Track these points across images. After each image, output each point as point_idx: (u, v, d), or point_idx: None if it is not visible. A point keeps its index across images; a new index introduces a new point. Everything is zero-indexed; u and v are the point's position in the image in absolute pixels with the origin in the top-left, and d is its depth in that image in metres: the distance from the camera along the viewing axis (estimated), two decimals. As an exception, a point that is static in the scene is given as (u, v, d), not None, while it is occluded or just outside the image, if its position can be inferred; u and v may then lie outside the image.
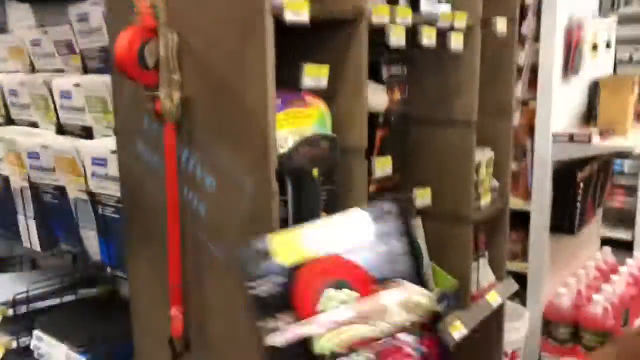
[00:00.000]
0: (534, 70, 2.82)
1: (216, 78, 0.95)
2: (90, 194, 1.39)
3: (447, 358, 0.80)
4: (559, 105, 2.76)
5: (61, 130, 1.63)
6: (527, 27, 2.72)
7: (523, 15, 2.71)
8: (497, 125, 1.70)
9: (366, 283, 0.78)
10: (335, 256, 0.79)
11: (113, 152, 1.27)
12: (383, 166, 1.21)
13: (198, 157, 0.99)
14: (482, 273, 1.66)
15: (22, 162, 1.56)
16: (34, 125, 1.72)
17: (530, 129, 2.86)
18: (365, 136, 1.13)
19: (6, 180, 1.66)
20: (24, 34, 1.75)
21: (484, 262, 1.69)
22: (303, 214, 0.95)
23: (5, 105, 1.79)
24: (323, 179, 1.05)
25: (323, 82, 0.99)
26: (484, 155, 1.61)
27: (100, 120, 1.50)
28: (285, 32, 0.93)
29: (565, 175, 2.81)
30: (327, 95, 1.09)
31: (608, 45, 3.05)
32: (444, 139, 1.51)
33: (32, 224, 1.63)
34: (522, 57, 2.82)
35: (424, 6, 1.24)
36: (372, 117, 1.37)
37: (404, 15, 1.15)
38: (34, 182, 1.57)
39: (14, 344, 1.71)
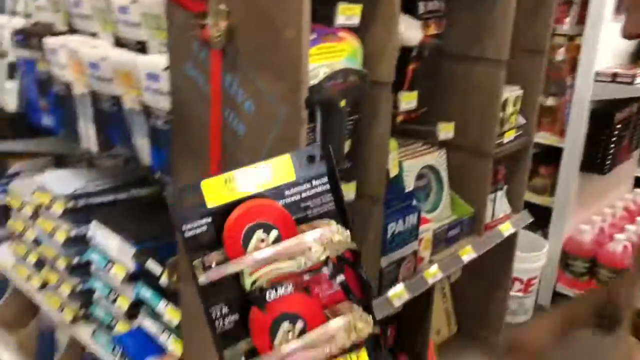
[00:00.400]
0: (584, 4, 2.77)
1: (259, 10, 1.05)
2: (144, 106, 1.54)
3: (366, 290, 0.88)
4: (606, 43, 2.73)
5: (119, 42, 1.77)
6: (582, -40, 2.66)
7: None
8: (530, 62, 1.74)
9: (290, 224, 0.82)
10: (261, 199, 0.82)
11: (165, 69, 1.40)
12: (408, 100, 1.30)
13: (239, 82, 1.11)
14: (499, 204, 1.77)
15: (84, 70, 1.71)
16: (93, 35, 1.86)
17: (574, 66, 2.85)
18: (393, 71, 1.22)
19: (68, 85, 1.82)
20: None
21: (501, 195, 1.79)
22: (329, 141, 1.07)
23: (69, 15, 1.92)
24: (350, 110, 1.16)
25: (355, 20, 1.08)
26: (512, 93, 1.68)
27: (154, 37, 1.62)
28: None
29: (603, 114, 2.82)
30: (360, 28, 1.18)
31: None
32: (473, 75, 1.58)
33: (91, 128, 1.80)
34: (573, -9, 2.77)
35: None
36: (406, 51, 1.45)
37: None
38: (94, 89, 1.72)
39: (73, 232, 1.94)
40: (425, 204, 1.67)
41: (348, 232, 0.83)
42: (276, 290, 0.81)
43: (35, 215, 2.11)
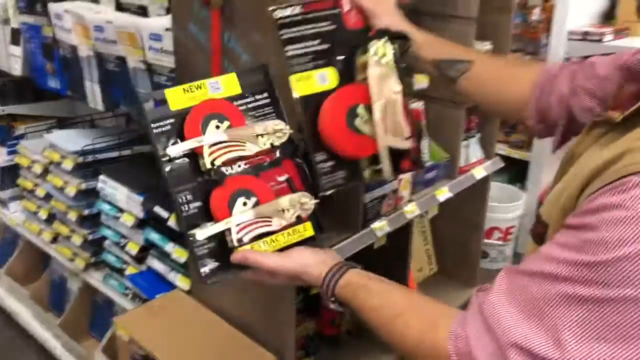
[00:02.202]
0: (559, -34, 2.91)
1: (253, -26, 1.21)
2: (147, 64, 1.69)
3: (307, 180, 1.04)
4: (578, 3, 2.88)
5: (120, 7, 1.91)
6: None
7: None
8: (498, 19, 1.90)
9: (239, 117, 1.01)
10: (214, 99, 1.02)
11: (167, 29, 1.56)
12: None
13: (237, 37, 1.27)
14: (472, 150, 1.95)
15: (89, 34, 1.85)
16: (95, 1, 1.99)
17: (548, 26, 3.00)
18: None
19: (74, 48, 1.96)
20: None
21: (474, 141, 1.97)
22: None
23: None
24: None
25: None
26: (482, 48, 1.84)
27: (154, 1, 1.77)
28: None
29: (575, 71, 2.99)
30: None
31: (635, -56, 3.07)
32: (447, 32, 1.72)
33: (97, 88, 1.95)
34: (547, -46, 2.91)
35: None
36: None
37: None
38: (99, 51, 1.86)
39: (84, 186, 2.10)
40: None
41: (287, 126, 1.02)
42: (232, 168, 1.00)
43: (45, 172, 2.26)
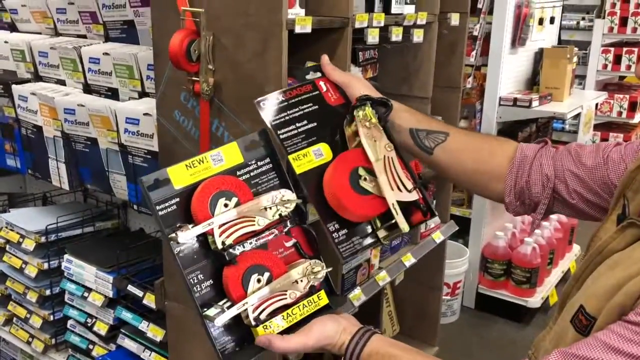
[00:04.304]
0: (487, 39, 3.20)
1: (242, 70, 1.29)
2: (122, 146, 1.73)
3: (315, 247, 1.05)
4: (506, 72, 3.16)
5: (88, 89, 1.94)
6: (483, 2, 3.08)
7: (479, -8, 3.06)
8: (449, 96, 2.08)
9: (246, 191, 1.01)
10: (219, 175, 1.01)
11: (145, 114, 1.61)
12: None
13: (226, 126, 1.34)
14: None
15: (57, 115, 1.87)
16: (61, 83, 2.02)
17: (481, 92, 3.26)
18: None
19: (39, 129, 1.97)
20: (49, 1, 2.03)
21: (432, 208, 2.10)
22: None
23: (34, 64, 2.07)
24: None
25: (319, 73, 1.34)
26: (436, 123, 2.00)
27: (125, 84, 1.82)
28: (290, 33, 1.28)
29: (507, 134, 3.24)
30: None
31: (552, 22, 3.42)
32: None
33: (62, 167, 1.95)
34: (477, 29, 3.19)
35: (394, 8, 1.59)
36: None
37: (379, 19, 1.50)
38: (67, 132, 1.88)
39: (45, 266, 2.06)
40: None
41: (294, 194, 1.03)
42: (243, 246, 0.99)
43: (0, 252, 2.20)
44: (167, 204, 0.98)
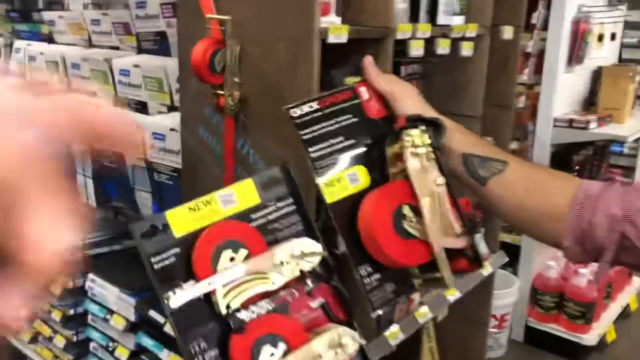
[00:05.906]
0: (541, 55, 3.01)
1: (269, 82, 1.18)
2: (148, 163, 1.64)
3: (347, 305, 0.87)
4: (562, 92, 2.96)
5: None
6: (537, 17, 2.90)
7: (534, 6, 2.89)
8: (500, 115, 1.91)
9: (259, 241, 0.83)
10: (226, 220, 0.82)
11: (172, 129, 1.52)
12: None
13: (251, 144, 1.23)
14: (479, 247, 1.91)
15: (85, 129, 1.80)
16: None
17: (534, 112, 3.07)
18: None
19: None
20: (85, 13, 1.98)
21: (479, 237, 1.93)
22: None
23: (67, 76, 2.02)
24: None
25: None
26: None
27: (154, 98, 1.74)
28: (325, 43, 1.15)
29: (562, 157, 3.03)
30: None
31: (613, 38, 3.21)
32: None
33: (90, 183, 1.88)
34: (530, 45, 3.01)
35: (442, 19, 1.45)
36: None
37: (424, 29, 1.36)
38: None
39: (70, 284, 1.99)
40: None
41: (319, 245, 0.83)
42: (252, 311, 0.79)
43: (27, 268, 2.14)
44: (164, 255, 0.79)
